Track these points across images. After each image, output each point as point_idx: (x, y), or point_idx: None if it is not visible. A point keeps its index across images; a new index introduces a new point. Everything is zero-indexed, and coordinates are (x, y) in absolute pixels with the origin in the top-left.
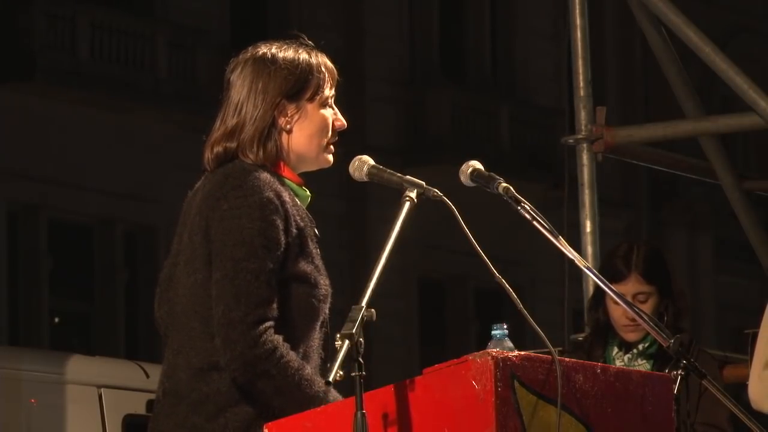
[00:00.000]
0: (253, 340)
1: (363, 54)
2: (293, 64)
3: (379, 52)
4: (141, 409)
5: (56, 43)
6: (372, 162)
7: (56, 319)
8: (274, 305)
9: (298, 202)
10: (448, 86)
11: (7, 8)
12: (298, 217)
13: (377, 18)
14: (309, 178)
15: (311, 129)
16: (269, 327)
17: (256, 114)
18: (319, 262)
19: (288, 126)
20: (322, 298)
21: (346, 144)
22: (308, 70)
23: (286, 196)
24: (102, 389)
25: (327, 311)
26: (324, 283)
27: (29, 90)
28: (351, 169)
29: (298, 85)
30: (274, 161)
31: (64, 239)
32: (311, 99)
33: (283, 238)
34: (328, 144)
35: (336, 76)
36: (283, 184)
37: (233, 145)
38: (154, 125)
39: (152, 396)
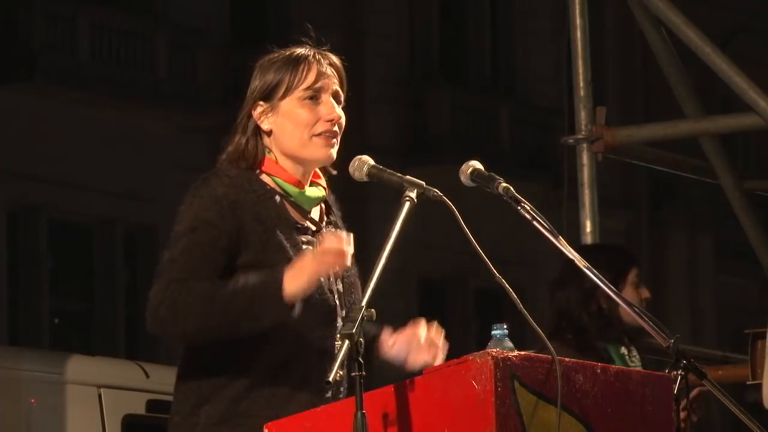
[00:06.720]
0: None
1: (363, 54)
2: (265, 67)
3: (379, 52)
4: (141, 409)
5: (56, 43)
6: (372, 162)
7: (56, 320)
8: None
9: (278, 199)
10: (448, 86)
11: (7, 8)
12: (263, 213)
13: (377, 18)
14: None
15: (288, 126)
16: (172, 282)
17: (238, 121)
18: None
19: (267, 127)
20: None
21: (346, 144)
22: (280, 68)
23: (246, 195)
24: (102, 389)
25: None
26: None
27: (29, 90)
28: (351, 169)
29: (270, 85)
30: (256, 160)
31: (64, 239)
32: (283, 97)
33: (223, 224)
34: (313, 137)
35: (335, 67)
36: (252, 182)
37: (226, 149)
38: (154, 125)
39: (152, 396)
